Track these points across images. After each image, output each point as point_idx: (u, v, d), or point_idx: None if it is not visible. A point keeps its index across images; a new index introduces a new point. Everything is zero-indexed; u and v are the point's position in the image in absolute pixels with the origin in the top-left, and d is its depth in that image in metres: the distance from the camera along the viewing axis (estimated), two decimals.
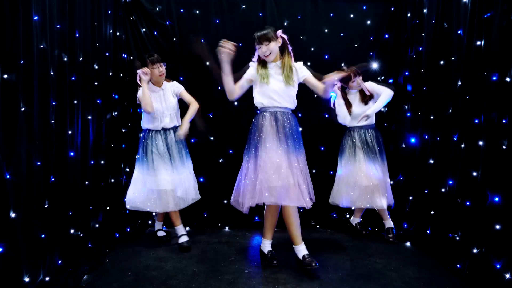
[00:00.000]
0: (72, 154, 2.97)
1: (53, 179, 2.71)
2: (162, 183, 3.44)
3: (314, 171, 4.12)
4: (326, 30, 4.23)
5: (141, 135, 3.66)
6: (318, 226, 4.18)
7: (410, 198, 3.92)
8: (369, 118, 3.67)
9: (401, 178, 4.08)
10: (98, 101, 3.45)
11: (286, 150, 3.00)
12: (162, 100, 3.54)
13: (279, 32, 3.08)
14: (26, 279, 2.37)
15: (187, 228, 4.09)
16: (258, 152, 3.03)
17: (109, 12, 3.67)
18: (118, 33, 3.88)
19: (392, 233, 3.78)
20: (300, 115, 4.12)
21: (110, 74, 3.70)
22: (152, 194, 3.47)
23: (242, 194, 3.07)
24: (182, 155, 3.62)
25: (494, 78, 2.74)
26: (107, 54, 3.62)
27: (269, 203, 3.02)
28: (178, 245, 3.53)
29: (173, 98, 3.61)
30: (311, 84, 3.12)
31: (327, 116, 4.26)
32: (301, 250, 3.13)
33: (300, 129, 3.31)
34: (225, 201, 4.25)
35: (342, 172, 3.83)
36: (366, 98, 3.74)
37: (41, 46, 2.53)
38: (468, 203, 3.04)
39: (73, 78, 2.98)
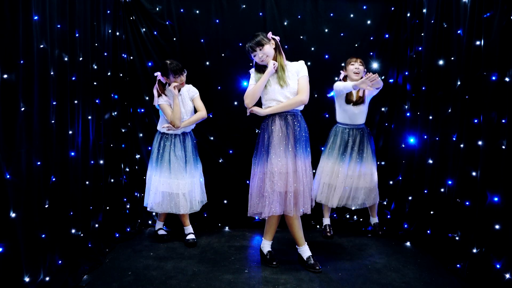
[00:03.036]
0: (72, 154, 2.97)
1: (53, 179, 2.72)
2: (176, 187, 3.53)
3: (314, 171, 4.12)
4: (326, 30, 4.23)
5: (156, 137, 3.67)
6: (318, 226, 4.18)
7: (410, 198, 3.92)
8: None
9: (400, 178, 4.08)
10: (97, 101, 3.45)
11: (295, 156, 3.00)
12: (181, 105, 3.55)
13: (270, 34, 3.09)
14: (27, 279, 2.37)
15: None
16: (268, 158, 3.01)
17: (109, 12, 3.67)
18: (118, 33, 3.88)
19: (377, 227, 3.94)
20: None
21: (109, 74, 3.70)
22: (166, 197, 3.54)
23: (258, 203, 3.07)
24: (195, 159, 3.71)
25: (494, 78, 2.74)
26: (105, 54, 3.62)
27: (279, 213, 3.04)
28: (185, 241, 3.63)
29: (190, 102, 3.64)
30: (297, 88, 3.08)
31: (327, 116, 4.27)
32: (305, 251, 3.17)
33: None
34: (225, 201, 4.26)
35: (321, 168, 3.87)
36: (362, 97, 3.71)
37: (41, 46, 2.53)
38: (467, 203, 3.05)
39: (73, 78, 2.98)
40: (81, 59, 3.11)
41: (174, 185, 3.53)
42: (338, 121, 3.86)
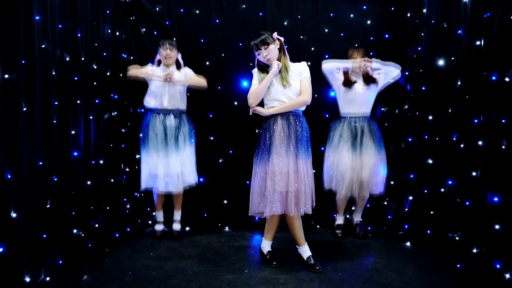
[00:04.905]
0: (75, 154, 2.97)
1: (55, 179, 2.72)
2: (155, 167, 3.62)
3: (314, 171, 4.11)
4: (326, 30, 4.23)
5: (144, 117, 3.81)
6: (318, 226, 4.19)
7: (410, 198, 3.92)
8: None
9: (401, 178, 4.08)
10: (96, 101, 3.44)
11: (297, 156, 3.01)
12: (170, 84, 3.65)
13: (275, 34, 3.09)
14: (27, 279, 2.37)
15: (187, 228, 4.11)
16: (269, 158, 3.01)
17: (108, 12, 3.67)
18: (117, 33, 3.88)
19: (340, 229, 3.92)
20: None
21: (109, 74, 3.69)
22: (151, 176, 3.67)
23: (260, 203, 3.07)
24: (178, 141, 3.70)
25: (494, 78, 2.75)
26: (105, 54, 3.62)
27: (280, 213, 3.04)
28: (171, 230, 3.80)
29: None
30: (300, 88, 3.10)
31: (327, 116, 4.27)
32: (305, 251, 3.17)
33: None
34: (225, 201, 4.26)
35: (328, 161, 3.87)
36: (368, 80, 3.72)
37: (43, 46, 2.53)
38: (467, 203, 3.05)
39: (75, 78, 2.98)
40: (82, 59, 3.11)
41: (153, 166, 3.62)
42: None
